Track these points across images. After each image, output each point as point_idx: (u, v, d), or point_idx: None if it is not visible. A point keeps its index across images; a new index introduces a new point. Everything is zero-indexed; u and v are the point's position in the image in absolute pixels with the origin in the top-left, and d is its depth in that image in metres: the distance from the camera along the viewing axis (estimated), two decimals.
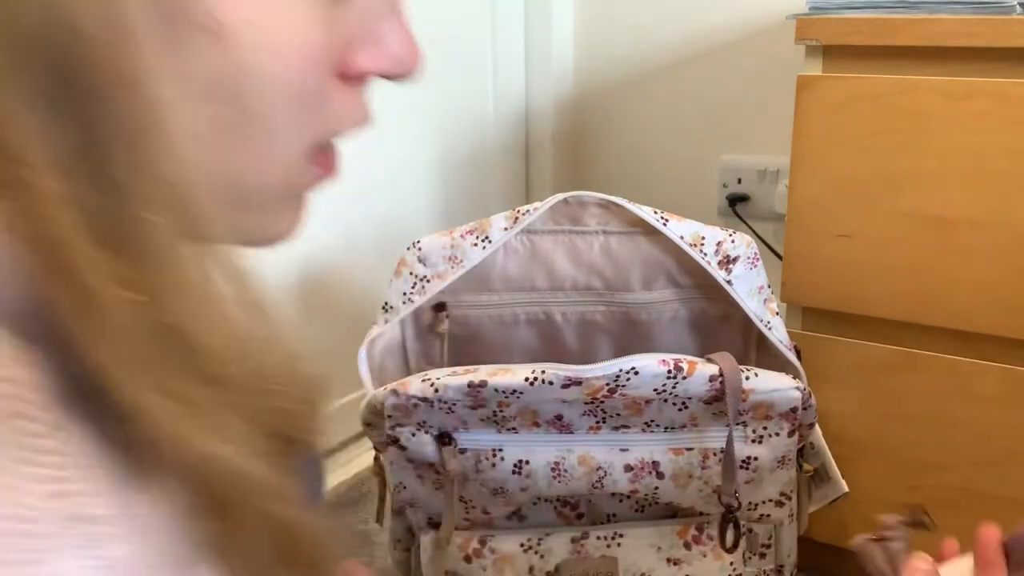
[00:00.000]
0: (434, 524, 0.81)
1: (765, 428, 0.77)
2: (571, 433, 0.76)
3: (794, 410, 0.76)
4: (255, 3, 0.26)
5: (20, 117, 0.23)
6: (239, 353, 0.28)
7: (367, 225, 1.26)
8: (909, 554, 0.50)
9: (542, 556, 0.79)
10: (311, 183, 0.32)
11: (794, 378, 0.76)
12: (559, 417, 0.75)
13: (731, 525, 0.77)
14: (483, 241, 0.82)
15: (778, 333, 0.81)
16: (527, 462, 0.76)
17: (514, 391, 0.72)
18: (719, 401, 0.74)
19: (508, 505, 0.79)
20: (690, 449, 0.77)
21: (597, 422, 0.75)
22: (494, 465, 0.76)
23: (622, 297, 0.84)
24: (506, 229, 0.82)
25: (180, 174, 0.25)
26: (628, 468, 0.77)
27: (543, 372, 0.72)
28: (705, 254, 0.80)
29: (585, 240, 0.83)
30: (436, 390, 0.72)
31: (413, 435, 0.76)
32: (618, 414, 0.75)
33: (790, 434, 0.77)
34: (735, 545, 0.77)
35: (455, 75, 1.39)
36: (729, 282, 0.79)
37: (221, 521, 0.29)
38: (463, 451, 0.76)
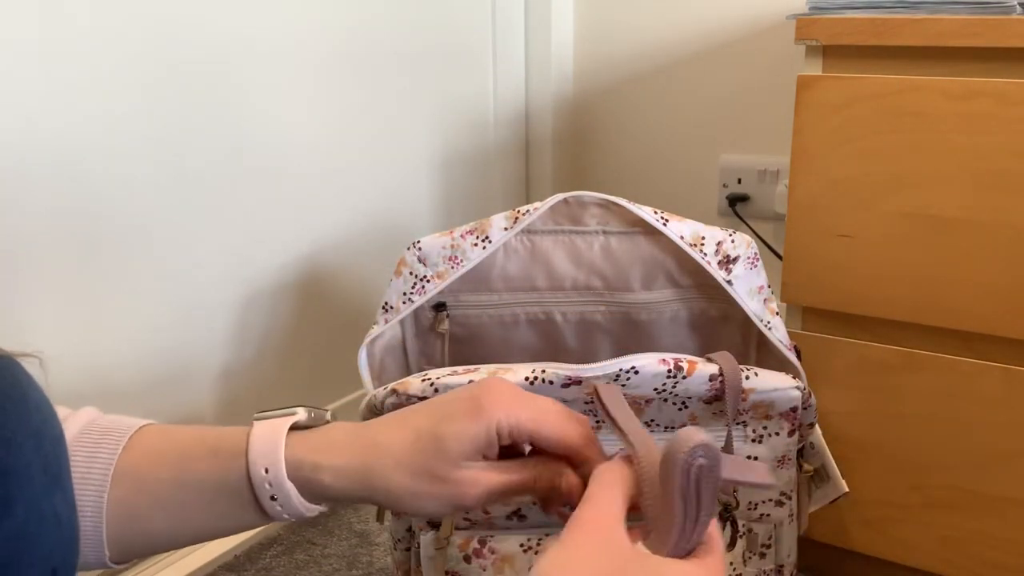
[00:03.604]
0: (434, 524, 0.81)
1: (765, 428, 0.77)
2: None
3: (794, 410, 0.76)
4: None
5: None
6: None
7: (367, 225, 1.27)
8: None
9: None
10: None
11: (794, 378, 0.76)
12: None
13: (728, 523, 0.77)
14: (483, 241, 0.82)
15: (778, 333, 0.81)
16: None
17: None
18: (719, 400, 0.74)
19: (508, 505, 0.79)
20: None
21: (598, 421, 0.75)
22: None
23: (622, 297, 0.84)
24: (506, 229, 0.82)
25: None
26: None
27: (543, 371, 0.72)
28: (705, 254, 0.80)
29: (585, 240, 0.83)
30: (436, 389, 0.72)
31: None
32: None
33: (790, 434, 0.77)
34: (732, 544, 0.78)
35: (455, 75, 1.39)
36: (729, 282, 0.79)
37: None
38: None
